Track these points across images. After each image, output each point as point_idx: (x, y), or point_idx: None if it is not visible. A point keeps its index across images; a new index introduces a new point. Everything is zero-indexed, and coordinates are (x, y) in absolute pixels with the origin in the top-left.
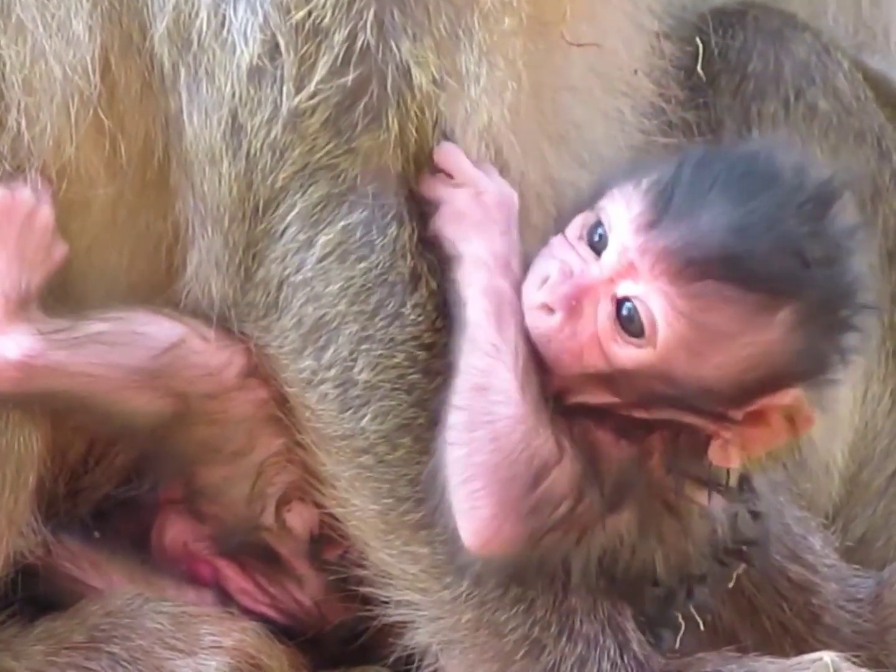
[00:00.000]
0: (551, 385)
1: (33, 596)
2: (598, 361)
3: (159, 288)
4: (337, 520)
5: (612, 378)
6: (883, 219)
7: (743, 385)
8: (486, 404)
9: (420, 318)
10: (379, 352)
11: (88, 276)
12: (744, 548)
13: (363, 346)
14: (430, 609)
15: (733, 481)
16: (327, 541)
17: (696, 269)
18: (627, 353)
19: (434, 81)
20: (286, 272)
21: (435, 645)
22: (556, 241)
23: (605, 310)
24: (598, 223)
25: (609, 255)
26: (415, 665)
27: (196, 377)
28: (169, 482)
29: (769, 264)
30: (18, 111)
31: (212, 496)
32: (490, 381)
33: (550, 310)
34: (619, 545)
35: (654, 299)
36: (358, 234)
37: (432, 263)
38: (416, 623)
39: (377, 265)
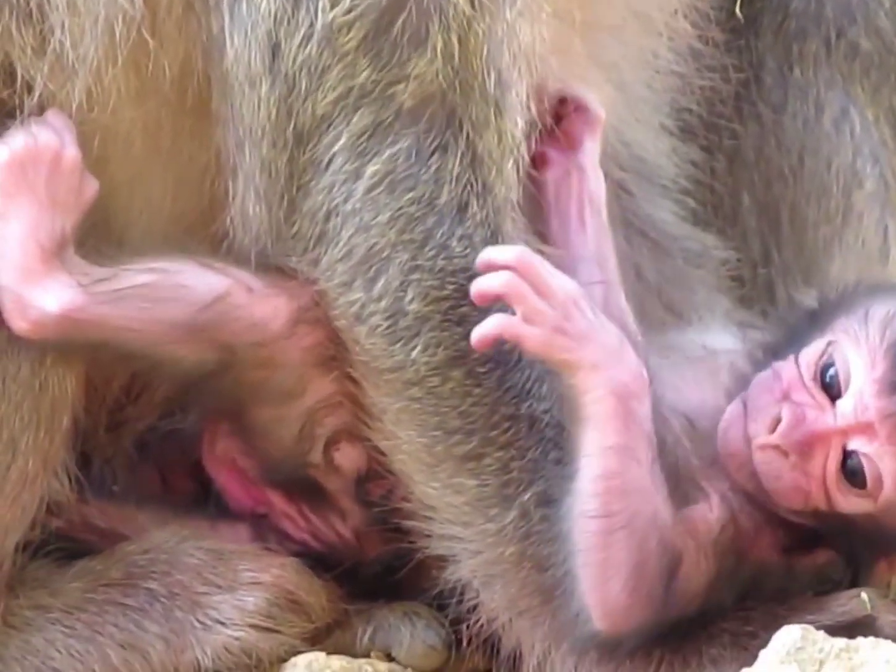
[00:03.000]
0: (760, 495)
1: (69, 547)
2: (820, 503)
3: (203, 220)
4: (383, 454)
5: (819, 515)
6: None
7: None
8: (626, 509)
9: (467, 252)
10: (429, 282)
11: (131, 209)
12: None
13: (413, 276)
14: (472, 542)
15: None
16: (374, 478)
17: None
18: (848, 501)
19: (471, 1)
20: (334, 203)
21: (476, 579)
22: (788, 376)
23: (835, 458)
24: (832, 364)
25: (846, 407)
26: (455, 600)
27: (242, 329)
28: (214, 420)
29: None
30: (62, 32)
31: (260, 433)
32: (628, 483)
33: (784, 452)
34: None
35: (885, 461)
36: (404, 164)
37: (479, 192)
38: (458, 557)
39: (423, 195)
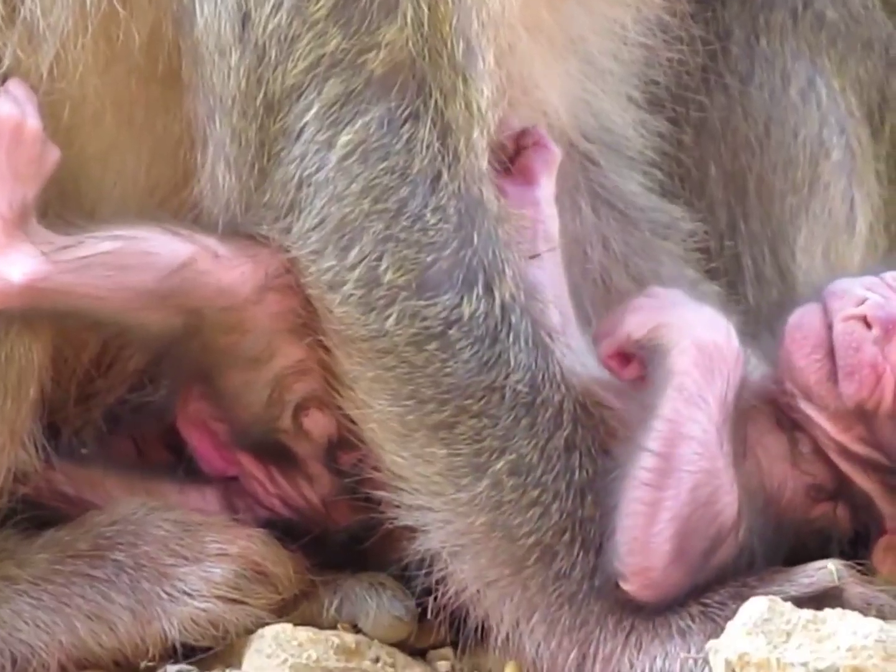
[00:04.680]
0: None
1: (36, 515)
2: (888, 394)
3: (177, 192)
4: (354, 422)
5: (877, 421)
6: (890, 128)
7: None
8: (685, 452)
9: (441, 224)
10: (404, 252)
11: (104, 181)
12: None
13: (388, 246)
14: (442, 512)
15: None
16: (344, 446)
17: None
18: None
19: None
20: (306, 172)
21: (445, 550)
22: (872, 279)
23: None
24: None
25: None
26: (423, 571)
27: (209, 295)
28: (187, 382)
29: None
30: (33, 1)
31: (230, 398)
32: (693, 430)
33: (868, 325)
34: None
35: None
36: (376, 134)
37: (449, 162)
38: (427, 527)
39: (397, 164)
